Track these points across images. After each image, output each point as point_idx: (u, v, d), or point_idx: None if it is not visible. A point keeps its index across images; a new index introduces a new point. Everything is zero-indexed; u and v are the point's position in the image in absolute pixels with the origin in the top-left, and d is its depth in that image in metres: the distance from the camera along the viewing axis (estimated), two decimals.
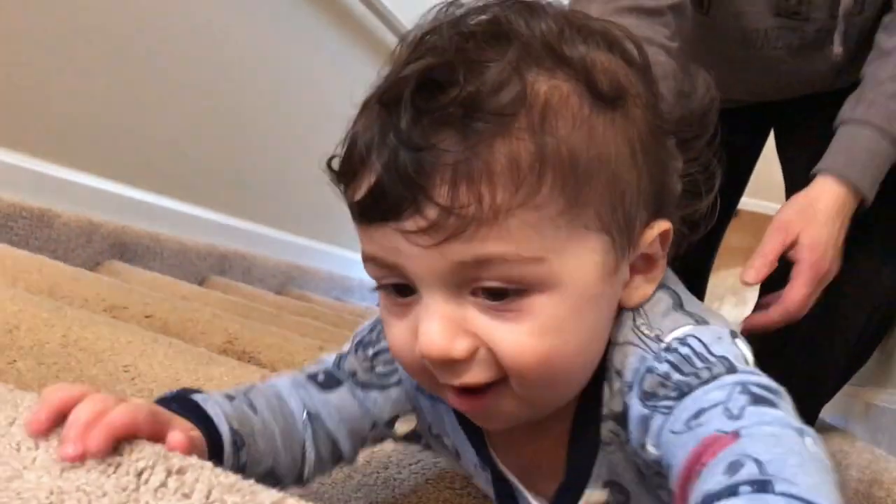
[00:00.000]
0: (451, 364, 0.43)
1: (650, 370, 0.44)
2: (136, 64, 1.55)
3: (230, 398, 0.51)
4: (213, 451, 0.46)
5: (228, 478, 0.37)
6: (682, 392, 0.43)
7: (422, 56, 0.42)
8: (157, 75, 1.61)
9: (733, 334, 0.46)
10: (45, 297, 0.97)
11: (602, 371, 0.47)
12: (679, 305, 0.48)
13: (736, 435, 0.38)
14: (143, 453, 0.38)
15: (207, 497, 0.36)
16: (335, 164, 0.45)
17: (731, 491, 0.34)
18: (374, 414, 0.56)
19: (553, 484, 0.52)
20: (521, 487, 0.54)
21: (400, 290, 0.45)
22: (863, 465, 1.02)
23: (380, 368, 0.55)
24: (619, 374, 0.46)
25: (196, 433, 0.45)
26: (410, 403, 0.56)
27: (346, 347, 0.57)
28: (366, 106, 0.44)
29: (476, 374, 0.43)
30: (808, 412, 1.17)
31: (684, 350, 0.44)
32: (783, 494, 0.33)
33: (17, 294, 0.87)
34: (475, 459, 0.54)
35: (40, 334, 0.79)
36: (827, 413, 1.25)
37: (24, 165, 1.34)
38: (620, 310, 0.48)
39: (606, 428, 0.48)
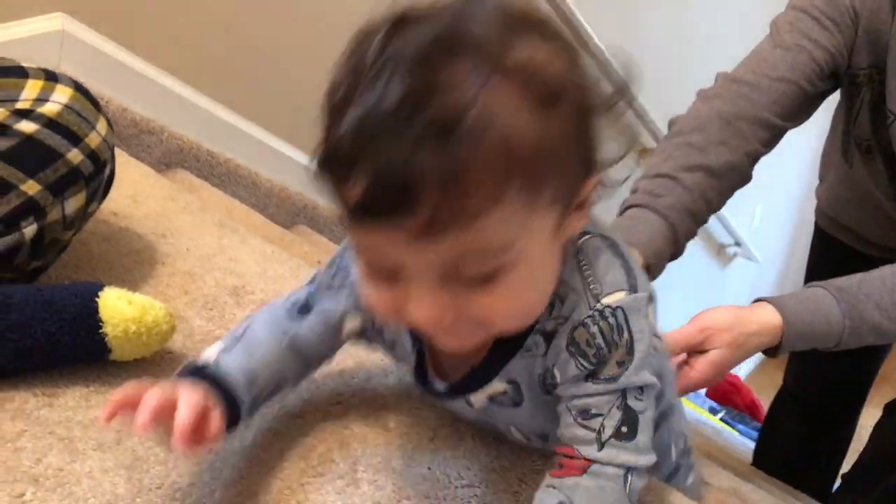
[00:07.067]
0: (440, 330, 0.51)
1: (584, 325, 0.55)
2: None
3: (227, 349, 0.63)
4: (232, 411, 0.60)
5: None
6: (596, 363, 0.56)
7: (390, 77, 0.43)
8: None
9: (649, 299, 0.58)
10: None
11: None
12: (618, 255, 0.57)
13: (584, 469, 0.57)
14: None
15: None
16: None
17: None
18: (331, 316, 0.67)
19: (462, 371, 0.63)
20: (430, 369, 0.66)
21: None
22: None
23: (336, 283, 0.67)
24: (561, 303, 0.56)
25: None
26: (355, 307, 0.66)
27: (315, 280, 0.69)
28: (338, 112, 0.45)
29: (465, 338, 0.53)
30: None
31: (611, 320, 0.55)
32: None
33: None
34: (409, 347, 0.66)
35: None
36: None
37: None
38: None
39: (533, 339, 0.58)
